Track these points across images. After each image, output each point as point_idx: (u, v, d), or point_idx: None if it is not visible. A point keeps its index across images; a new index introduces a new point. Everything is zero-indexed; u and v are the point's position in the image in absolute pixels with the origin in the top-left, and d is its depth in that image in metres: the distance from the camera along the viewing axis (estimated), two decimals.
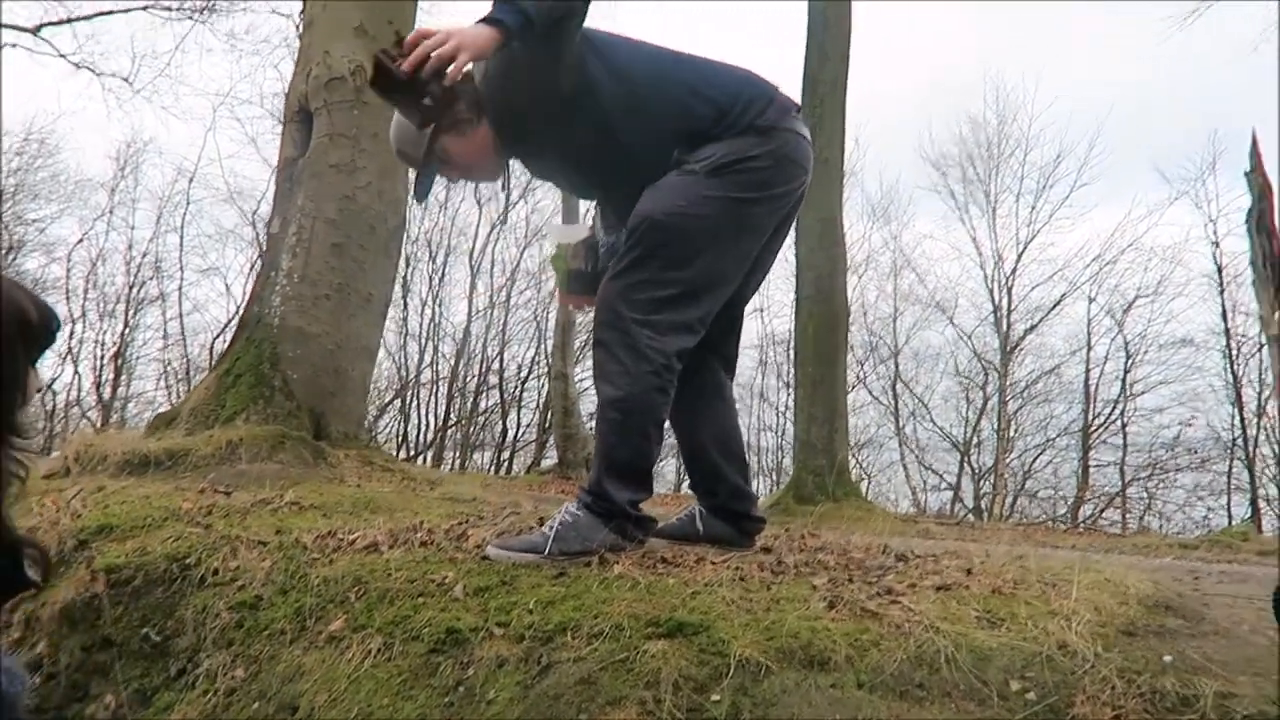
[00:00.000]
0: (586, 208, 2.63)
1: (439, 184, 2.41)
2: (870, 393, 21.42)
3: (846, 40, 9.29)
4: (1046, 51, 32.16)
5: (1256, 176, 10.31)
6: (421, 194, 2.43)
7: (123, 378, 21.36)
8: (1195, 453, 18.00)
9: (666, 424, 2.37)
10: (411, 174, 2.93)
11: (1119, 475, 18.68)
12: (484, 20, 1.99)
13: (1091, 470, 18.84)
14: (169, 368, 21.41)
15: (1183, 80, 26.68)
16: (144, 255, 21.57)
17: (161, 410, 4.96)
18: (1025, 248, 19.98)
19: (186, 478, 3.46)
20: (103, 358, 20.94)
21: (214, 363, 4.83)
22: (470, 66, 2.03)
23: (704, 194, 2.19)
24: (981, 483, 19.77)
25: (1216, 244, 17.76)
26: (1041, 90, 31.62)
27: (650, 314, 2.18)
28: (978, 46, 33.06)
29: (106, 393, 20.84)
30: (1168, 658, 1.57)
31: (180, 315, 21.27)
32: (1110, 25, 29.84)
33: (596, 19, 2.17)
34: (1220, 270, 17.64)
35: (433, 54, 1.95)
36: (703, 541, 2.46)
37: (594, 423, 2.36)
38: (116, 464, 3.64)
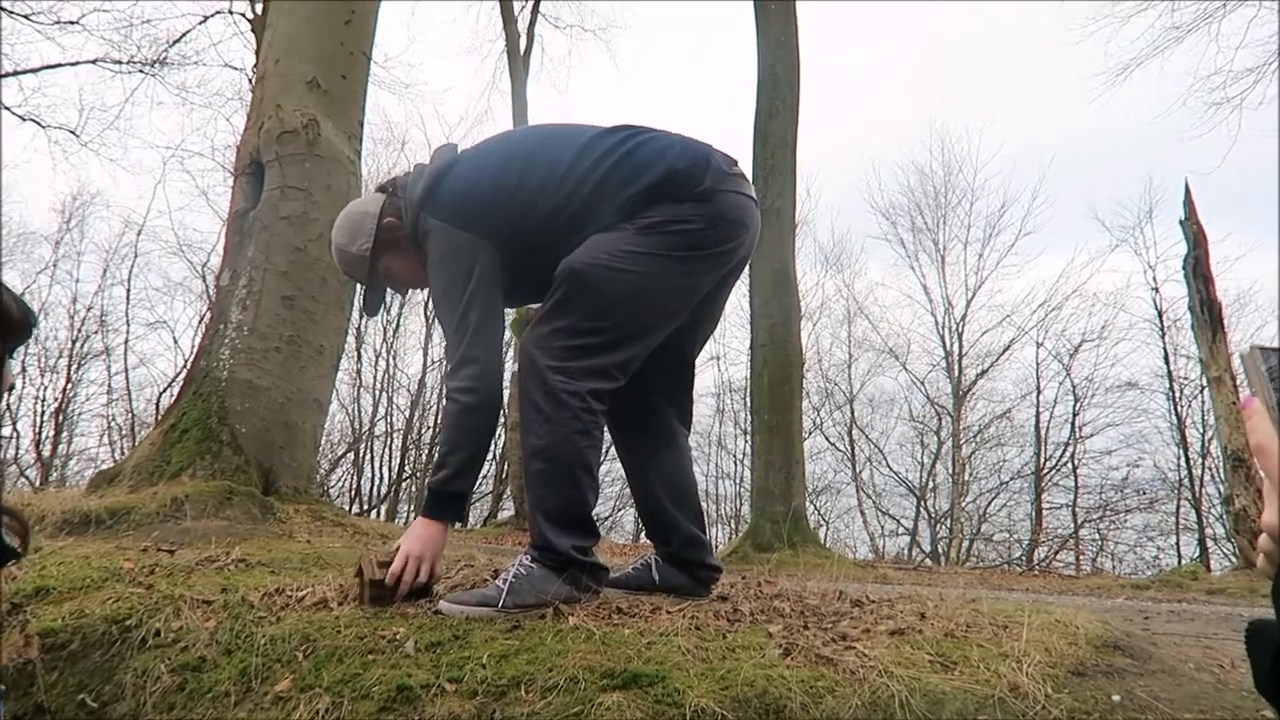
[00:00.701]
0: None
1: (389, 295, 2.45)
2: (827, 439, 21.61)
3: (796, 95, 9.54)
4: (988, 104, 33.27)
5: (1191, 224, 10.73)
6: (372, 309, 2.52)
7: (64, 435, 20.80)
8: (1144, 494, 18.38)
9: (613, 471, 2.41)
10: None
11: (1071, 517, 18.96)
12: (427, 517, 2.27)
13: (1045, 513, 19.10)
14: (113, 424, 20.92)
15: (1118, 132, 27.78)
16: (89, 309, 21.20)
17: (104, 468, 4.82)
18: (974, 294, 20.47)
19: (129, 536, 3.36)
20: (43, 414, 20.37)
21: (160, 417, 4.73)
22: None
23: (630, 249, 2.20)
24: (938, 527, 19.94)
25: (1156, 289, 18.35)
26: (985, 141, 32.60)
27: (566, 360, 2.19)
28: (923, 98, 34.09)
29: (46, 450, 20.24)
30: (1116, 697, 1.59)
31: (125, 370, 20.85)
32: (1047, 80, 31.01)
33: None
34: (1161, 315, 18.21)
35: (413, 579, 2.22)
36: (659, 591, 2.45)
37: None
38: (55, 524, 3.52)
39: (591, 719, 1.61)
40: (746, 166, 9.25)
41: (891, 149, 35.20)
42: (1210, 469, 17.41)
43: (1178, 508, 17.97)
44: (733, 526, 19.18)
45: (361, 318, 20.47)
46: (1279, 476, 0.66)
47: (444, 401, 2.40)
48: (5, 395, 1.03)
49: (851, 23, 34.06)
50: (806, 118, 9.73)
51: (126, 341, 20.92)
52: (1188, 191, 10.74)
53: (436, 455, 2.38)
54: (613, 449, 2.67)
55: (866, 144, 37.49)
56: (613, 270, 2.19)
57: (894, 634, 1.90)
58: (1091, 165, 27.26)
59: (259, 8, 14.64)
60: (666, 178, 2.24)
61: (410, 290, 2.58)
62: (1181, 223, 10.84)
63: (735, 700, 1.61)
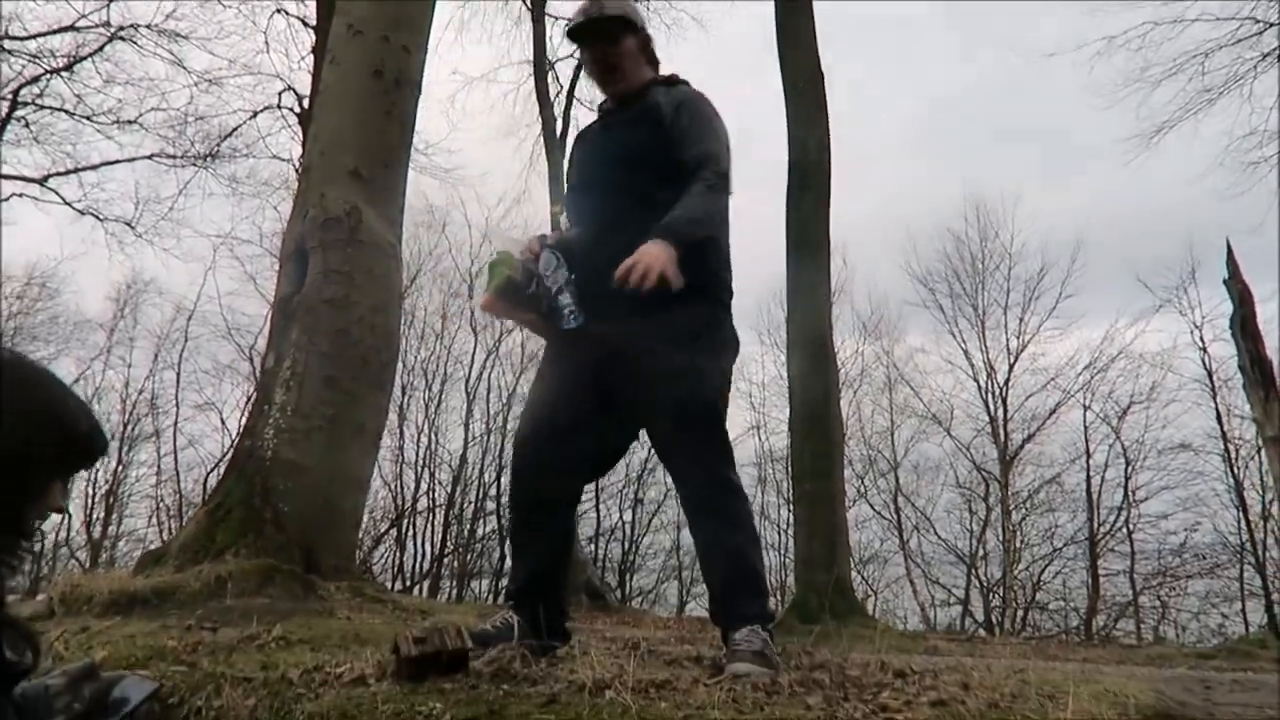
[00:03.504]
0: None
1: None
2: (872, 507, 21.22)
3: (827, 172, 9.65)
4: (1023, 166, 33.36)
5: (1235, 284, 10.59)
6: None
7: (114, 515, 21.14)
8: (1204, 558, 17.74)
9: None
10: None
11: (1129, 584, 18.33)
12: (665, 239, 2.45)
13: (1101, 579, 18.49)
14: (161, 504, 21.23)
15: (1157, 193, 27.66)
16: (140, 392, 21.72)
17: (152, 548, 4.91)
18: (1016, 358, 20.24)
19: (173, 615, 3.41)
20: (94, 496, 20.76)
21: (206, 498, 4.82)
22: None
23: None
24: (991, 596, 19.36)
25: (1204, 349, 18.01)
26: (1021, 207, 32.59)
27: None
28: (954, 165, 34.30)
29: (97, 532, 20.57)
30: None
31: (175, 451, 21.24)
32: (1081, 142, 31.08)
33: None
34: (1210, 375, 17.83)
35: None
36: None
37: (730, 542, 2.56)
38: (103, 604, 3.59)
39: None
40: (782, 237, 9.23)
41: (926, 215, 35.25)
42: (1273, 531, 16.82)
43: (1241, 573, 17.31)
44: (779, 597, 18.81)
45: (404, 394, 20.73)
46: None
47: (696, 184, 2.59)
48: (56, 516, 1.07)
49: (881, 89, 34.57)
50: (839, 185, 9.84)
51: (176, 423, 21.37)
52: (1230, 251, 10.64)
53: (681, 210, 2.53)
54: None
55: (901, 212, 37.72)
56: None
57: (936, 705, 1.87)
58: (1131, 227, 27.12)
59: (305, 103, 15.27)
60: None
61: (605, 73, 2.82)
62: (1226, 282, 10.72)
63: None
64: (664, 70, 2.93)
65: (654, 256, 2.39)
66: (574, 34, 2.83)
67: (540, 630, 2.56)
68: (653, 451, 2.80)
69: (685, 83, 2.86)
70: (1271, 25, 12.00)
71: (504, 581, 20.32)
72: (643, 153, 2.68)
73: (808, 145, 9.63)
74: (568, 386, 2.64)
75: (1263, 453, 14.76)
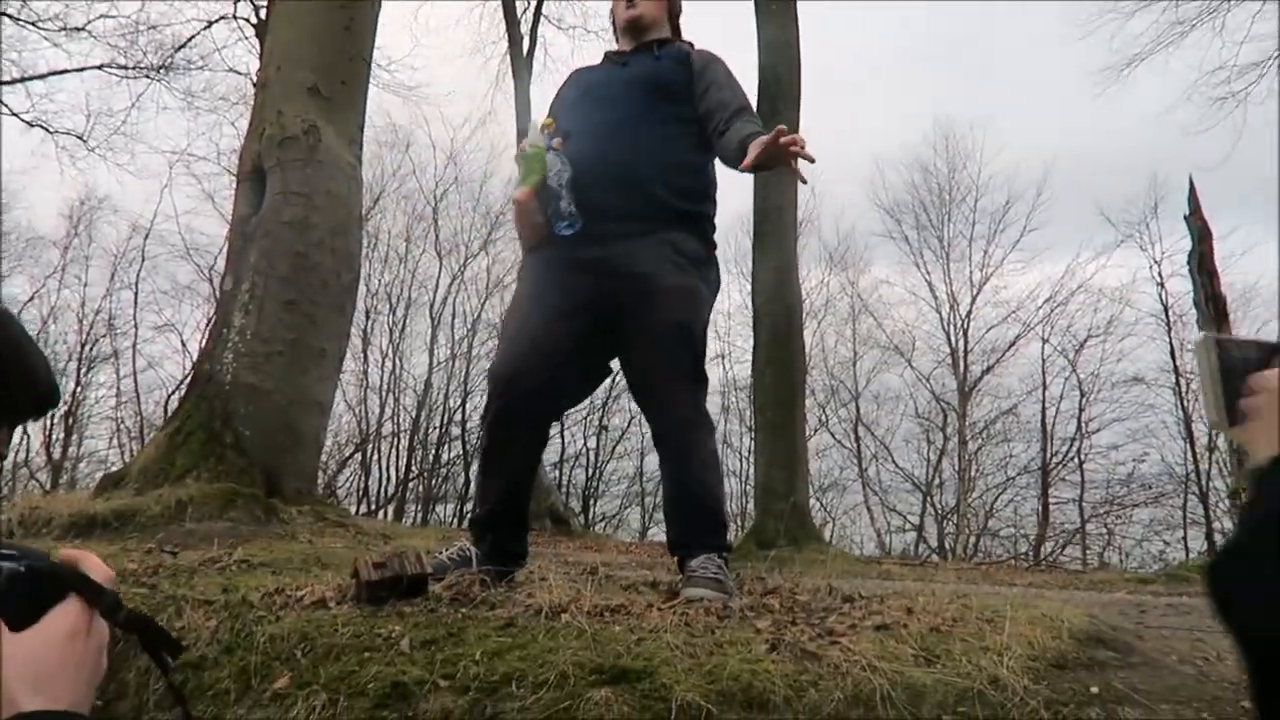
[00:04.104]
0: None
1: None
2: (833, 435, 21.57)
3: (797, 94, 9.55)
4: (992, 100, 33.18)
5: (1195, 220, 10.72)
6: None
7: (74, 437, 20.92)
8: (1150, 488, 18.33)
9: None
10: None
11: (1078, 512, 18.93)
12: None
13: (1051, 508, 19.06)
14: (122, 426, 21.01)
15: (1124, 128, 27.70)
16: (97, 312, 21.29)
17: (112, 470, 4.88)
18: (979, 291, 20.42)
19: (134, 538, 3.42)
20: (53, 417, 20.48)
21: (165, 421, 4.79)
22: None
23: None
24: (945, 523, 19.91)
25: (1162, 285, 18.29)
26: (989, 138, 32.51)
27: None
28: (926, 94, 34.04)
29: (56, 453, 20.37)
30: (1094, 689, 1.62)
31: (134, 372, 20.93)
32: (1052, 76, 30.94)
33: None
34: (1166, 310, 18.15)
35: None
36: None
37: (701, 477, 2.60)
38: (63, 526, 3.58)
39: (580, 714, 1.65)
40: None
41: (896, 145, 35.15)
42: (1217, 463, 17.35)
43: (1185, 502, 17.92)
44: (738, 524, 19.21)
45: (368, 319, 20.55)
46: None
47: (754, 118, 2.70)
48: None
49: (852, 20, 34.03)
50: (808, 116, 9.76)
51: (135, 345, 21.02)
52: (1192, 187, 10.73)
53: (760, 129, 2.57)
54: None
55: (871, 142, 37.51)
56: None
57: (880, 629, 1.94)
58: (1097, 161, 27.21)
59: (262, 13, 14.71)
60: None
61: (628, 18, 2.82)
62: (1186, 218, 10.84)
63: (720, 694, 1.64)
64: None
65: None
66: None
67: (500, 557, 2.59)
68: (619, 378, 2.83)
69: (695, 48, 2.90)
70: None
71: (468, 506, 20.54)
72: (670, 85, 2.70)
73: (777, 69, 9.49)
74: (564, 304, 2.57)
75: None
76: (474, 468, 2.99)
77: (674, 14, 2.91)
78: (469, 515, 2.68)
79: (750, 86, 9.57)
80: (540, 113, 3.07)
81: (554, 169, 2.55)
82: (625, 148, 2.58)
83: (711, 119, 2.66)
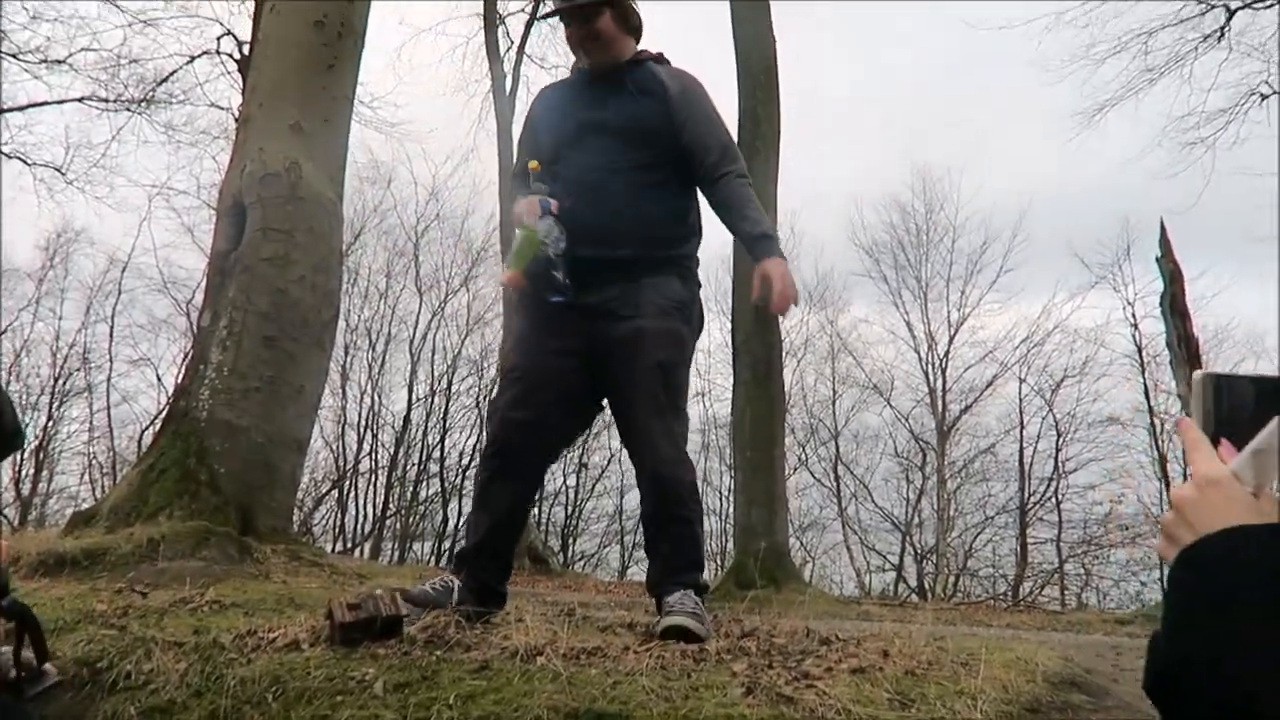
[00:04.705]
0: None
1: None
2: (812, 474, 21.62)
3: (776, 131, 9.68)
4: (969, 143, 33.77)
5: (1166, 262, 10.88)
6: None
7: (44, 473, 20.60)
8: (1127, 528, 18.43)
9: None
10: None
11: (1056, 552, 19.00)
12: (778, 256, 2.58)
13: (1030, 548, 19.13)
14: (94, 461, 20.75)
15: (1097, 171, 28.23)
16: (71, 346, 21.10)
17: (83, 507, 4.82)
18: (956, 331, 20.65)
19: (104, 577, 3.36)
20: (24, 452, 20.16)
21: (139, 457, 4.74)
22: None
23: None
24: (924, 563, 19.91)
25: (1135, 326, 18.58)
26: (966, 180, 33.05)
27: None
28: (904, 137, 34.59)
29: (26, 489, 20.04)
30: None
31: (108, 407, 20.74)
32: (1026, 120, 31.52)
33: None
34: (1140, 351, 18.42)
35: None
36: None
37: (680, 515, 2.62)
38: (30, 565, 3.52)
39: None
40: None
41: (874, 185, 35.64)
42: None
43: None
44: (718, 563, 19.12)
45: (347, 354, 20.46)
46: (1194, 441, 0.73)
47: (744, 181, 2.73)
48: None
49: (831, 62, 34.66)
50: (788, 156, 9.89)
51: (109, 379, 20.84)
52: (1163, 229, 10.89)
53: (765, 216, 2.72)
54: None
55: (849, 182, 38.02)
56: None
57: (855, 672, 1.94)
58: (1072, 203, 27.68)
59: (246, 49, 14.79)
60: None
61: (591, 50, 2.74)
62: (1158, 260, 11.00)
63: None
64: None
65: (787, 276, 2.53)
66: (553, 13, 2.86)
67: (482, 595, 2.58)
68: (606, 419, 2.87)
69: (669, 61, 2.86)
70: (1213, 7, 12.26)
71: (446, 544, 20.33)
72: (647, 127, 2.68)
73: (758, 111, 9.64)
74: (557, 345, 2.64)
75: None
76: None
77: (625, 19, 2.77)
78: (456, 550, 2.66)
79: (730, 124, 9.72)
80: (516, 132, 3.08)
81: (551, 236, 2.54)
82: (607, 203, 2.60)
83: (693, 159, 2.69)
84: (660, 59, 2.84)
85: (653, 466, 2.60)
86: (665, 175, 2.69)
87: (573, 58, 2.92)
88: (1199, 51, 12.63)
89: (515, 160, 2.98)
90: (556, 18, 2.89)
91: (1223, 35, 12.41)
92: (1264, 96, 12.45)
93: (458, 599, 2.54)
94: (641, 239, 2.61)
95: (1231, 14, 12.29)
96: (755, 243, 2.61)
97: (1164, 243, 10.83)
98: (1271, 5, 11.99)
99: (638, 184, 2.63)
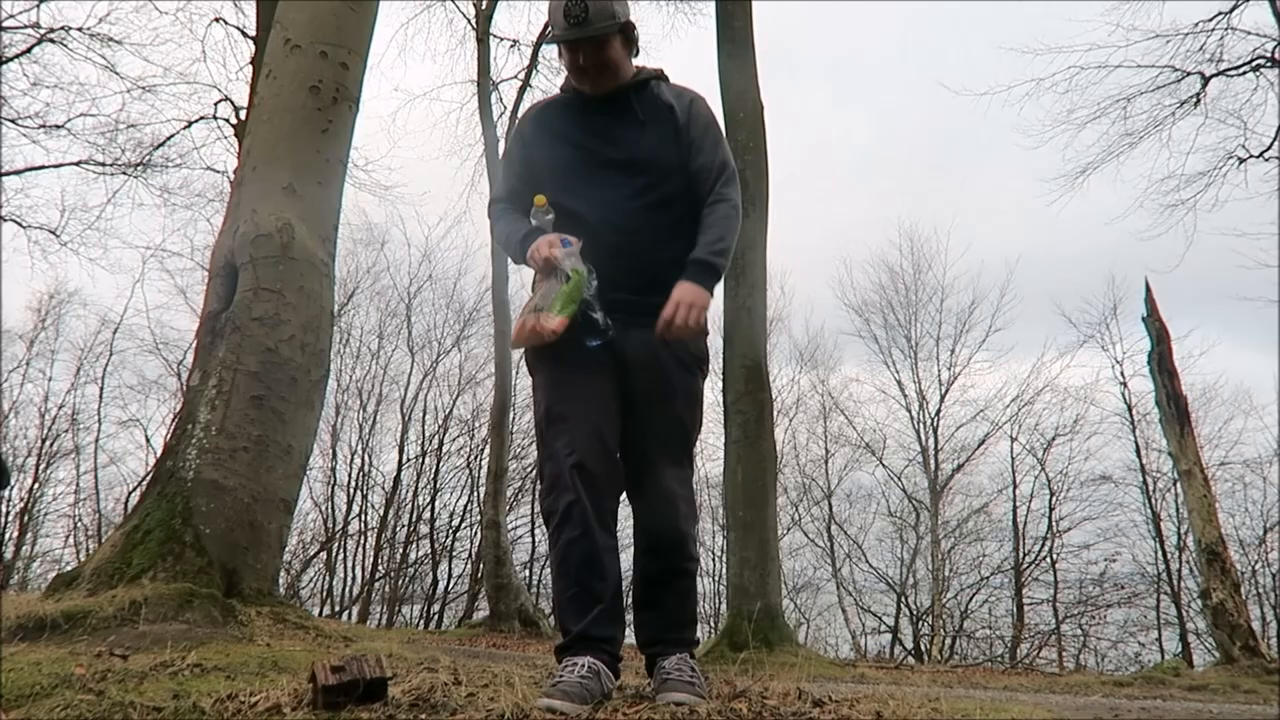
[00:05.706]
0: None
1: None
2: (805, 535, 21.42)
3: (765, 197, 9.83)
4: (956, 202, 34.31)
5: (1153, 321, 11.00)
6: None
7: (28, 535, 20.31)
8: (1123, 588, 18.29)
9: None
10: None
11: (1053, 613, 18.79)
12: (703, 285, 2.47)
13: (1026, 609, 18.93)
14: (79, 524, 20.48)
15: (1082, 231, 28.68)
16: (60, 407, 20.97)
17: (67, 569, 4.74)
18: (947, 390, 20.68)
19: (84, 641, 3.29)
20: (8, 515, 19.92)
21: (124, 519, 4.68)
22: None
23: None
24: (920, 624, 19.66)
25: (1124, 384, 18.67)
26: (953, 241, 33.48)
27: None
28: (891, 200, 35.13)
29: (9, 552, 19.72)
30: None
31: (95, 469, 20.53)
32: (1011, 183, 32.15)
33: None
34: (1130, 409, 18.48)
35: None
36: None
37: (686, 569, 2.56)
38: (9, 629, 3.45)
39: None
40: None
41: (863, 246, 36.08)
42: (1188, 562, 17.41)
43: (1158, 602, 17.90)
44: (711, 625, 18.83)
45: (338, 414, 20.38)
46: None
47: (724, 204, 2.59)
48: None
49: (818, 123, 35.33)
50: (776, 215, 10.02)
51: (97, 440, 20.67)
52: (1148, 289, 11.04)
53: (719, 243, 2.54)
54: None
55: (839, 243, 38.49)
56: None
57: None
58: (1058, 263, 28.07)
59: (242, 114, 15.02)
60: None
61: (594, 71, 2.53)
62: (1144, 319, 11.12)
63: None
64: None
65: (696, 304, 2.43)
66: (558, 40, 2.55)
67: (617, 659, 2.42)
68: None
69: (668, 79, 2.72)
70: (1189, 74, 12.58)
71: (435, 607, 20.01)
72: (659, 160, 2.55)
73: (746, 174, 9.78)
74: (603, 398, 2.49)
75: (1178, 485, 15.32)
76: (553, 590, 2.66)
77: (629, 37, 2.57)
78: (579, 633, 2.36)
79: None
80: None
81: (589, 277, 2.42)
82: (626, 245, 2.48)
83: (700, 184, 2.59)
84: (661, 75, 2.69)
85: (665, 520, 2.51)
86: (680, 212, 2.57)
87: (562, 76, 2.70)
88: (1176, 116, 12.93)
89: (501, 181, 2.78)
90: (557, 45, 2.58)
91: (1199, 101, 12.71)
92: (1241, 160, 12.70)
93: (608, 680, 2.35)
94: (664, 284, 2.47)
95: (1206, 80, 12.62)
96: (689, 264, 2.47)
97: (1150, 302, 10.96)
98: (1245, 72, 12.32)
99: (654, 224, 2.52)
